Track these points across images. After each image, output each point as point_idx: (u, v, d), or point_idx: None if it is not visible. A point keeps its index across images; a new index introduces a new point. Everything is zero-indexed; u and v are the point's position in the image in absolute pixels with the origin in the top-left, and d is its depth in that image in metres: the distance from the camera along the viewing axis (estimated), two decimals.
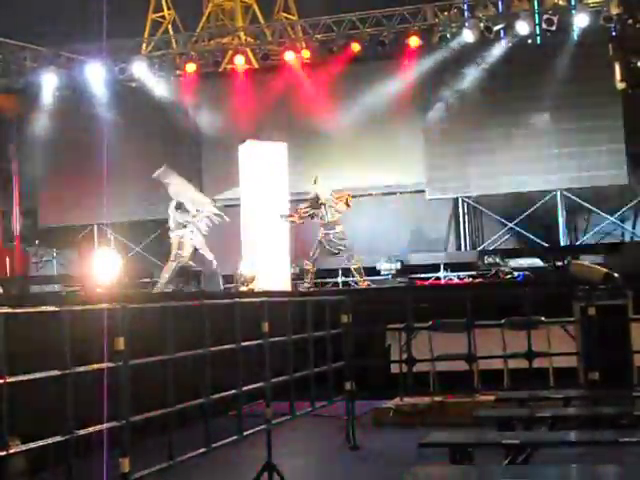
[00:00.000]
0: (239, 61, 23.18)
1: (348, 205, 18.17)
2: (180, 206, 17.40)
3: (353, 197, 22.66)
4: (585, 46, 20.89)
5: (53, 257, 24.95)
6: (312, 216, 18.15)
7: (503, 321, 12.33)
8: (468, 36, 21.25)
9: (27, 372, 6.11)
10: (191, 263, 17.45)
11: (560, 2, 21.22)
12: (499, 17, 21.44)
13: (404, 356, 12.42)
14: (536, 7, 21.41)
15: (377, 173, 22.24)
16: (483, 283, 18.55)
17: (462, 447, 7.19)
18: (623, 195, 21.08)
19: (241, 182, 19.68)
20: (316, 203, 18.04)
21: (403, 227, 22.30)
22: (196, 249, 17.36)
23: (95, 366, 6.64)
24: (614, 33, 20.96)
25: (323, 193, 18.13)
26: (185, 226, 17.31)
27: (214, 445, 7.81)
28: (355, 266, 18.22)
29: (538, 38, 21.89)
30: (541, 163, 21.13)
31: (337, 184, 22.42)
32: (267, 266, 18.33)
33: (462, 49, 21.61)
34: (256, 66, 24.19)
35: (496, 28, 21.32)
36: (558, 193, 21.21)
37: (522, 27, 20.96)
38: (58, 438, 6.20)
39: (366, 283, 18.23)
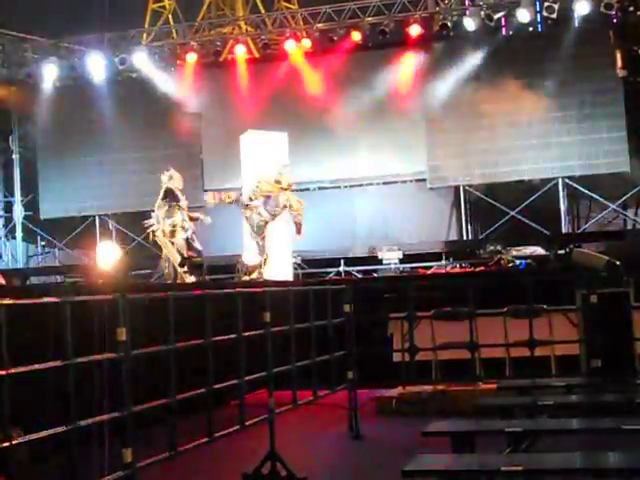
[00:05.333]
0: (240, 51, 23.11)
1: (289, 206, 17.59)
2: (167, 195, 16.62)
3: (354, 186, 22.77)
4: (586, 34, 20.84)
5: (55, 248, 25.00)
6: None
7: (505, 309, 12.33)
8: (469, 24, 21.20)
9: (29, 363, 6.11)
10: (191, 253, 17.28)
11: None
12: (500, 5, 21.38)
13: (406, 345, 12.43)
14: None
15: (378, 162, 22.22)
16: (485, 272, 18.53)
17: (464, 435, 7.20)
18: (625, 182, 21.04)
19: (243, 171, 19.67)
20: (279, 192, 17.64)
21: (404, 216, 22.26)
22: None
23: (97, 357, 6.64)
24: (615, 21, 20.90)
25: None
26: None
27: (217, 435, 7.82)
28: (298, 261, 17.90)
29: (539, 26, 21.83)
30: (543, 151, 21.10)
31: (338, 173, 22.59)
32: (269, 255, 18.29)
33: (463, 37, 21.58)
34: (257, 56, 24.15)
35: (497, 16, 21.27)
36: (560, 181, 21.18)
37: (523, 15, 20.91)
38: (61, 429, 6.20)
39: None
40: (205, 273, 17.07)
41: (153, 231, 16.28)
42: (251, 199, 17.60)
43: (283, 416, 9.09)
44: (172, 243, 16.11)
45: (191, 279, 15.73)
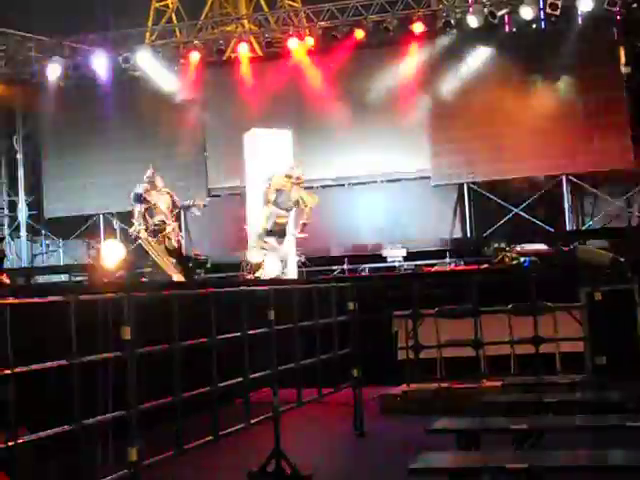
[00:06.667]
0: (243, 49, 23.12)
1: None
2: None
3: (357, 184, 22.80)
4: (589, 30, 20.82)
5: (59, 247, 25.03)
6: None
7: (509, 307, 12.32)
8: (472, 21, 21.18)
9: (35, 362, 6.11)
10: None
11: None
12: (503, 2, 21.35)
13: (411, 343, 12.42)
14: None
15: (382, 160, 22.20)
16: (489, 269, 18.50)
17: (469, 433, 7.20)
18: (629, 179, 21.03)
19: (246, 170, 19.69)
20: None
21: (408, 214, 22.24)
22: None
23: (102, 355, 6.65)
24: (618, 17, 20.87)
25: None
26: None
27: (222, 433, 7.83)
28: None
29: (542, 23, 21.82)
30: (546, 148, 21.07)
31: (342, 171, 22.58)
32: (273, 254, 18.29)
33: (466, 34, 21.56)
34: (260, 54, 24.16)
35: (500, 13, 21.24)
36: (564, 177, 21.18)
37: (526, 12, 20.88)
38: (66, 427, 6.20)
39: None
40: (194, 271, 17.13)
41: (137, 233, 16.35)
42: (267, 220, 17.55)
43: (288, 414, 9.09)
44: (169, 239, 16.19)
45: (177, 277, 15.80)
